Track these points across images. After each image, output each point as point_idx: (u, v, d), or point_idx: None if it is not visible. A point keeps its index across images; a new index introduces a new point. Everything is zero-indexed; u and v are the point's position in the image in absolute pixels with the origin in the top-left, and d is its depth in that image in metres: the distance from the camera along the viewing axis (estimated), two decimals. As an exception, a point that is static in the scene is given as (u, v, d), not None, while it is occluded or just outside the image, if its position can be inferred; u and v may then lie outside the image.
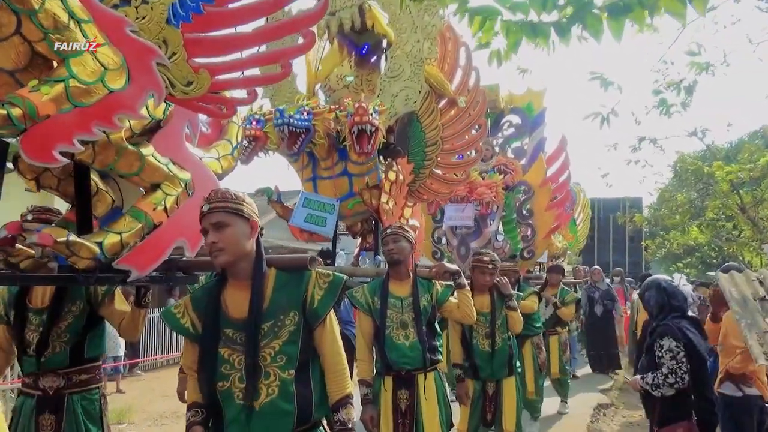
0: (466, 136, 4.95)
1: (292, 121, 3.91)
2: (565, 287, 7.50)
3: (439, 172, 4.90)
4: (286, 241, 10.15)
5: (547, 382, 6.95)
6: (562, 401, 7.43)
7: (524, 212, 6.94)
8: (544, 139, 7.96)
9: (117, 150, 2.25)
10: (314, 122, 4.02)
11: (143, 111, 2.29)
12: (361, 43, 5.05)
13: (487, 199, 6.23)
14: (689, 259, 18.70)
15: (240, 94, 2.46)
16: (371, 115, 3.88)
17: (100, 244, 2.18)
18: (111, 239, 2.22)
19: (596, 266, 10.70)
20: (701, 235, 11.44)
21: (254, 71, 2.37)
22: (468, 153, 5.12)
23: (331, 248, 4.72)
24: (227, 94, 2.43)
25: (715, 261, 17.69)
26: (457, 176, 5.10)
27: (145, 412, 7.33)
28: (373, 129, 3.92)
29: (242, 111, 4.13)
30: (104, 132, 2.11)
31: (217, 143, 3.17)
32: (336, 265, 4.73)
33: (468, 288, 3.60)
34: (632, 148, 10.25)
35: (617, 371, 9.80)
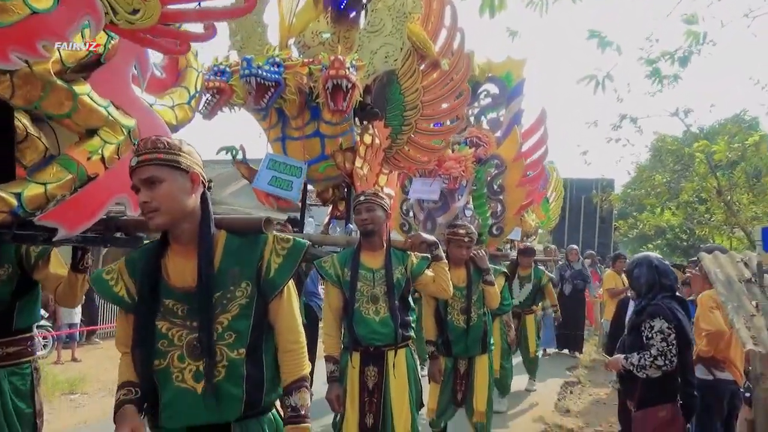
0: (447, 103, 4.65)
1: (260, 72, 3.58)
2: (538, 266, 7.41)
3: (417, 138, 4.62)
4: (256, 209, 9.86)
5: (516, 360, 6.88)
6: (530, 379, 7.38)
7: (495, 187, 6.77)
8: (521, 112, 7.70)
9: (43, 85, 1.91)
10: (285, 75, 3.69)
11: (77, 40, 1.95)
12: (340, -3, 4.72)
13: (455, 174, 6.01)
14: (658, 241, 18.92)
15: (197, 28, 2.12)
16: (348, 69, 3.57)
17: (18, 195, 1.86)
18: (33, 190, 1.90)
19: (573, 246, 10.65)
20: (673, 217, 11.46)
21: (213, 2, 2.03)
22: (448, 120, 4.83)
23: (299, 216, 4.48)
24: (182, 27, 2.10)
25: (684, 243, 17.91)
26: (437, 144, 4.82)
27: (100, 381, 7.04)
28: (350, 85, 3.61)
29: (206, 61, 3.84)
30: (26, 61, 1.77)
31: (173, 90, 2.86)
32: (306, 231, 4.48)
33: (445, 260, 3.41)
34: (613, 126, 10.06)
35: (578, 354, 9.83)
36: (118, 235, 2.21)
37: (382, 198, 3.25)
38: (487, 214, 6.64)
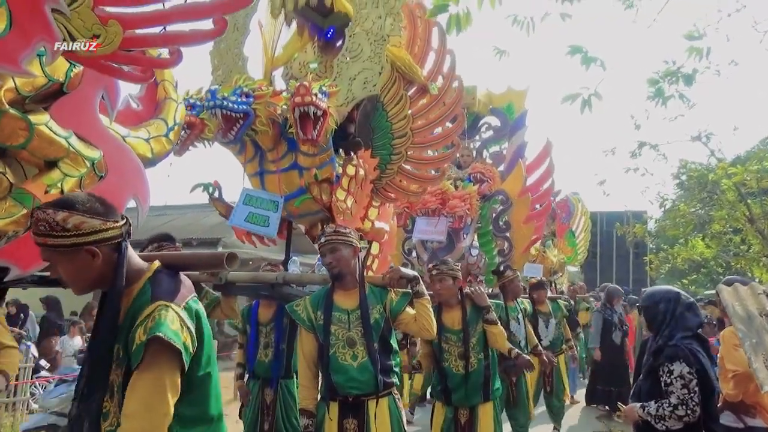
0: (440, 128, 4.40)
1: (225, 103, 3.40)
2: (557, 301, 6.95)
3: (409, 168, 4.36)
4: (265, 251, 9.69)
5: (539, 409, 6.34)
6: (555, 428, 6.78)
7: (501, 224, 6.53)
8: (524, 144, 7.52)
9: (-8, 115, 1.75)
10: (255, 106, 3.51)
11: (32, 67, 1.80)
12: (326, 26, 4.57)
13: (459, 212, 5.86)
14: (695, 276, 17.99)
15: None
16: (315, 95, 3.36)
17: None
18: (-20, 227, 1.73)
19: (614, 285, 9.30)
20: (707, 249, 10.82)
21: (179, 27, 1.90)
22: (441, 148, 4.58)
23: (284, 255, 4.26)
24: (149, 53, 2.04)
25: (722, 277, 16.91)
26: (431, 173, 4.56)
27: None
28: (320, 112, 3.41)
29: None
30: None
31: (149, 122, 2.77)
32: (289, 271, 4.20)
33: (428, 297, 3.12)
34: (631, 153, 9.64)
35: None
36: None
37: (344, 234, 3.07)
38: (494, 252, 6.43)
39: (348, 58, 3.93)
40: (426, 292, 3.14)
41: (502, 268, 5.80)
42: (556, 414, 6.61)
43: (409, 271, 3.14)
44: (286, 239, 4.23)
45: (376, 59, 3.84)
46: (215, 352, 1.73)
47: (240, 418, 4.55)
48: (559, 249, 10.54)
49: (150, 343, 1.47)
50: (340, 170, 3.88)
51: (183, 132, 3.60)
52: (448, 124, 4.48)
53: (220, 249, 11.37)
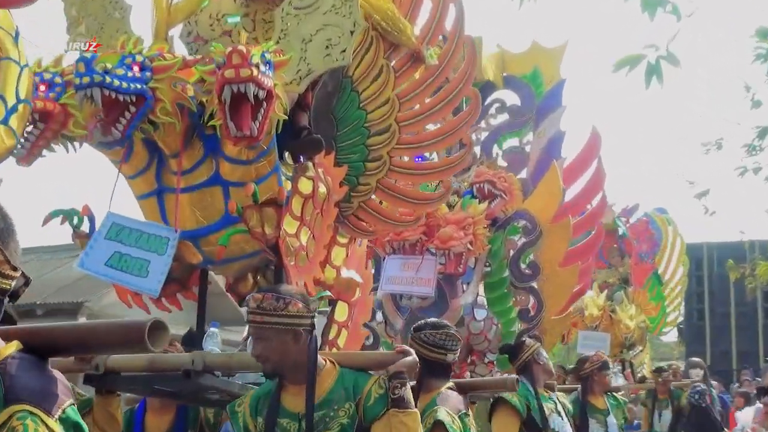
0: (443, 119, 4.46)
1: (110, 79, 3.29)
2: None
3: (394, 182, 4.34)
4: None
5: None
6: None
7: (524, 267, 6.44)
8: (560, 136, 7.43)
9: None
10: (155, 84, 3.45)
11: None
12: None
13: (457, 248, 5.78)
14: None
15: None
16: (256, 67, 3.29)
17: None
18: None
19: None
20: None
21: None
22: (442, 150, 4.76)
23: (195, 325, 4.15)
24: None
25: None
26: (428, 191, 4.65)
27: None
28: (263, 93, 3.35)
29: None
30: None
31: None
32: (206, 350, 4.05)
33: (415, 410, 3.18)
34: (748, 147, 9.61)
35: None
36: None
37: (275, 311, 3.04)
38: (512, 315, 6.36)
39: (299, 9, 3.88)
40: (411, 399, 3.16)
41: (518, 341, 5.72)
42: None
43: (410, 359, 3.19)
44: (198, 299, 4.12)
45: (345, 9, 3.80)
46: None
47: None
48: (638, 305, 10.22)
49: None
50: (288, 186, 3.82)
51: (31, 127, 3.50)
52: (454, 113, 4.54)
53: (81, 320, 11.27)
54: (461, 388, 4.16)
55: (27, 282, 1.65)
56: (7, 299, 1.60)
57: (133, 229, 3.73)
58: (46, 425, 1.47)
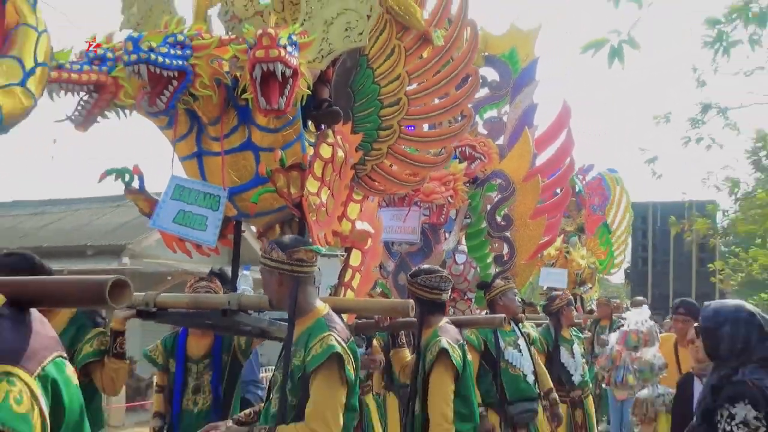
0: (446, 93, 4.56)
1: (155, 57, 3.43)
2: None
3: (403, 148, 4.51)
4: (189, 262, 9.76)
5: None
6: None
7: (499, 219, 6.69)
8: (533, 107, 7.68)
9: None
10: (194, 61, 3.57)
11: None
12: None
13: (439, 201, 5.95)
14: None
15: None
16: (284, 48, 3.41)
17: None
18: None
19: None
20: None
21: None
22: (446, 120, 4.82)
23: (232, 267, 4.35)
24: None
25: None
26: (432, 155, 4.78)
27: None
28: (289, 72, 3.47)
29: (78, 45, 3.68)
30: None
31: None
32: (239, 290, 4.30)
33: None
34: (692, 120, 9.89)
35: None
36: None
37: (264, 256, 3.28)
38: (489, 260, 6.57)
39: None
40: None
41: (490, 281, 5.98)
42: None
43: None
44: (233, 246, 4.30)
45: (362, -5, 3.93)
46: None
47: None
48: (590, 249, 10.70)
49: None
50: (311, 152, 3.99)
51: (89, 97, 3.61)
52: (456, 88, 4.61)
53: (125, 260, 11.62)
54: (456, 324, 4.44)
55: None
56: None
57: (192, 189, 3.85)
58: (25, 383, 1.41)
